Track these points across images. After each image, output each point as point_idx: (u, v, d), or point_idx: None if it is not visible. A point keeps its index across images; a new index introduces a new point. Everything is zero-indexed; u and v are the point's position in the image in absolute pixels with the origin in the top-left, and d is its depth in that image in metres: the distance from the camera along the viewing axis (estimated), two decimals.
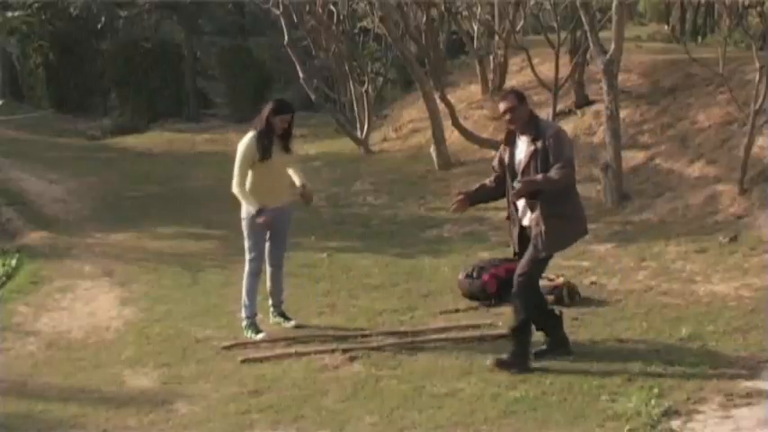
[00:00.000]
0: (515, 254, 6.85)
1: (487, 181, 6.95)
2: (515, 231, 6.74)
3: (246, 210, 7.60)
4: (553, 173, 6.38)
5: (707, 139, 11.56)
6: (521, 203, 6.68)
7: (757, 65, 10.38)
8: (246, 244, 7.75)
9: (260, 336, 7.67)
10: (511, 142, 6.69)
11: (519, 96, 6.67)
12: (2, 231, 12.23)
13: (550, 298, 8.05)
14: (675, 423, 5.60)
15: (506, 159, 6.69)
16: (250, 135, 7.55)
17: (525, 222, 6.66)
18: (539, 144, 6.46)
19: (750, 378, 6.19)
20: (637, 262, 9.21)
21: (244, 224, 7.71)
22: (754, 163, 10.32)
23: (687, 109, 12.40)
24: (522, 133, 6.61)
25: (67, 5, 21.99)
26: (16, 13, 18.92)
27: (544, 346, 6.85)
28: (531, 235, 6.56)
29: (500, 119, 6.81)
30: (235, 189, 7.58)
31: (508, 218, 6.87)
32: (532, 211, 6.57)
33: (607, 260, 9.38)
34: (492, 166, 6.96)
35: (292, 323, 7.93)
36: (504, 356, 6.64)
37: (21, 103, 24.40)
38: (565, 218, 6.55)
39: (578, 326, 7.49)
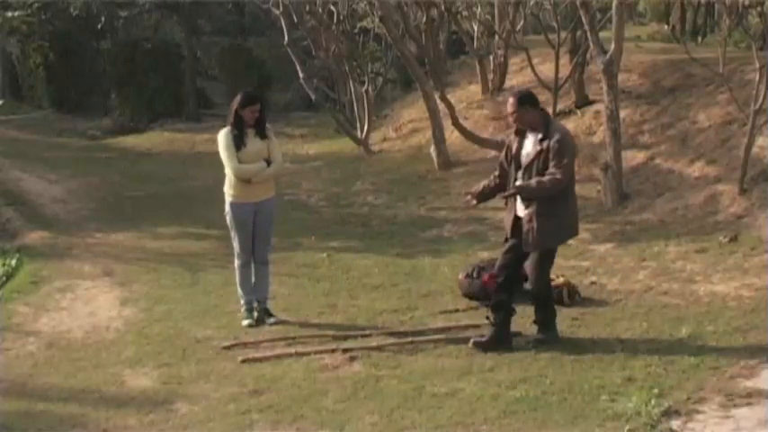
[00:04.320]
0: (506, 239, 7.19)
1: (490, 180, 7.32)
2: (510, 218, 7.11)
3: (228, 204, 8.00)
4: (546, 179, 6.81)
5: (707, 139, 11.56)
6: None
7: (757, 65, 10.37)
8: (232, 236, 8.12)
9: (245, 322, 8.04)
10: (521, 134, 7.08)
11: (522, 100, 7.03)
12: (2, 231, 12.23)
13: None
14: (675, 423, 5.60)
15: (513, 149, 7.07)
16: (225, 129, 7.97)
17: (519, 213, 7.03)
18: (545, 145, 6.86)
19: (750, 378, 6.19)
20: (637, 262, 9.21)
21: (227, 219, 8.09)
22: (754, 163, 10.32)
23: (687, 109, 12.40)
24: (533, 130, 6.98)
25: (67, 5, 21.97)
26: (16, 13, 18.91)
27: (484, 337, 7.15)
28: (524, 230, 6.93)
29: (504, 118, 7.12)
30: (234, 172, 7.87)
31: (506, 204, 7.22)
32: (527, 205, 6.95)
33: (607, 260, 9.37)
34: (500, 163, 7.28)
35: (272, 320, 8.06)
36: (541, 336, 7.10)
37: (21, 103, 24.44)
38: (555, 218, 6.92)
39: (578, 326, 7.50)
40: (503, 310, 7.11)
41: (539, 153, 6.89)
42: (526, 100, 7.04)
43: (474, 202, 7.34)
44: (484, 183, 7.39)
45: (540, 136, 6.92)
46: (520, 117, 7.00)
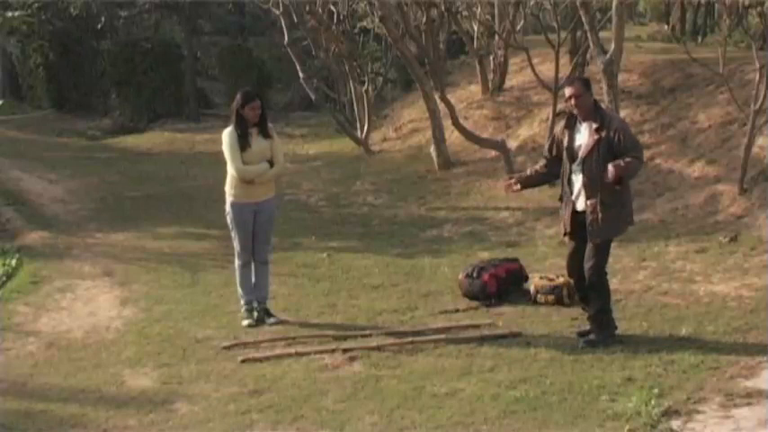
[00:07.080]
0: (565, 234, 7.14)
1: (537, 167, 7.30)
2: (568, 212, 7.00)
3: (229, 204, 8.00)
4: (631, 159, 6.69)
5: (707, 139, 11.57)
6: (576, 187, 6.92)
7: (757, 65, 10.38)
8: (232, 236, 8.11)
9: (245, 322, 8.03)
10: (570, 126, 6.98)
11: (585, 84, 7.02)
12: (2, 231, 12.22)
13: (550, 298, 8.07)
14: (675, 423, 5.61)
15: (565, 142, 6.96)
16: (229, 128, 7.96)
17: (579, 207, 6.92)
18: (603, 133, 6.75)
19: (750, 378, 6.20)
20: (637, 262, 9.21)
21: (228, 218, 8.07)
22: (754, 163, 10.32)
23: (687, 109, 12.40)
24: (585, 119, 6.88)
25: (67, 5, 21.95)
26: (16, 13, 18.88)
27: (588, 328, 7.13)
28: (587, 221, 6.82)
29: (566, 102, 7.11)
30: (238, 173, 7.86)
31: (561, 199, 7.12)
32: (590, 196, 6.81)
33: None
34: (543, 153, 7.30)
35: (272, 320, 8.06)
36: (592, 336, 6.97)
37: (21, 103, 24.41)
38: (620, 206, 6.88)
39: (578, 326, 7.49)
40: (602, 308, 7.02)
41: (597, 142, 6.75)
42: (589, 86, 7.00)
43: (517, 186, 7.26)
44: (530, 169, 7.41)
45: (595, 125, 6.79)
46: (583, 102, 6.87)
